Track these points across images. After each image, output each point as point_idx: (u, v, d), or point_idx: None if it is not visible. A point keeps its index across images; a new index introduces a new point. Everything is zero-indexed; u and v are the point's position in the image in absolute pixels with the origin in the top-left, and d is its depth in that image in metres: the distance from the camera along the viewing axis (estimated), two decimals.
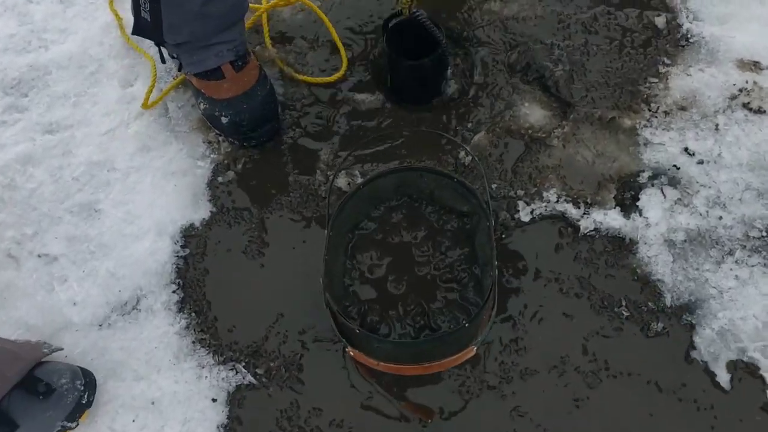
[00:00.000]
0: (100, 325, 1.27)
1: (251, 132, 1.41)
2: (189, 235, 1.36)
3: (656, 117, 1.42)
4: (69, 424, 1.13)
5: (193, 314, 1.27)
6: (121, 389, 1.20)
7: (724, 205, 1.32)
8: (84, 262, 1.33)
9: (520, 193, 1.35)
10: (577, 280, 1.26)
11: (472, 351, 1.01)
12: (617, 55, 1.52)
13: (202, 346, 1.24)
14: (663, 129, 1.41)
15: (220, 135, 1.45)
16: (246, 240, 1.35)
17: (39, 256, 1.35)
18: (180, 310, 1.28)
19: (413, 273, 1.27)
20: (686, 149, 1.37)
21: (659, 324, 1.21)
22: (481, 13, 1.62)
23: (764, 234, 1.29)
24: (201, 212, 1.39)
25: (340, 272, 1.26)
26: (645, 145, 1.39)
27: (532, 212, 1.33)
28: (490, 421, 1.15)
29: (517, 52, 1.54)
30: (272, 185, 1.41)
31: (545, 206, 1.33)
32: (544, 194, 1.35)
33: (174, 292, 1.29)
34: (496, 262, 1.13)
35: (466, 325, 1.07)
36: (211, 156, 1.46)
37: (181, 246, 1.34)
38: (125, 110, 1.51)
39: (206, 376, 1.20)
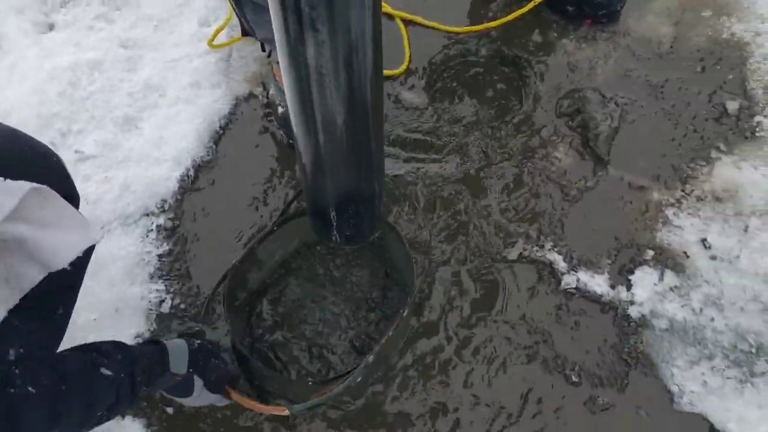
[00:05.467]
0: (102, 227, 1.38)
1: None
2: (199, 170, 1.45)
3: (687, 200, 1.36)
4: None
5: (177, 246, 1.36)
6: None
7: (722, 307, 1.24)
8: (108, 168, 1.45)
9: (518, 230, 1.34)
10: (540, 330, 1.24)
11: (284, 410, 1.02)
12: (673, 127, 1.46)
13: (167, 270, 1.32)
14: (689, 213, 1.34)
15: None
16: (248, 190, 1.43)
17: (75, 151, 1.47)
18: (167, 238, 1.37)
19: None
20: (704, 241, 1.31)
21: (605, 399, 1.17)
22: (552, 47, 1.60)
23: (753, 350, 1.21)
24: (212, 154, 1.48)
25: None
26: (663, 223, 1.34)
27: (520, 253, 1.31)
28: None
29: (572, 96, 1.51)
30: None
31: (536, 250, 1.31)
32: (541, 238, 1.32)
33: (170, 219, 1.38)
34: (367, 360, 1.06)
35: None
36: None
37: (191, 181, 1.44)
38: (194, 46, 1.62)
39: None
